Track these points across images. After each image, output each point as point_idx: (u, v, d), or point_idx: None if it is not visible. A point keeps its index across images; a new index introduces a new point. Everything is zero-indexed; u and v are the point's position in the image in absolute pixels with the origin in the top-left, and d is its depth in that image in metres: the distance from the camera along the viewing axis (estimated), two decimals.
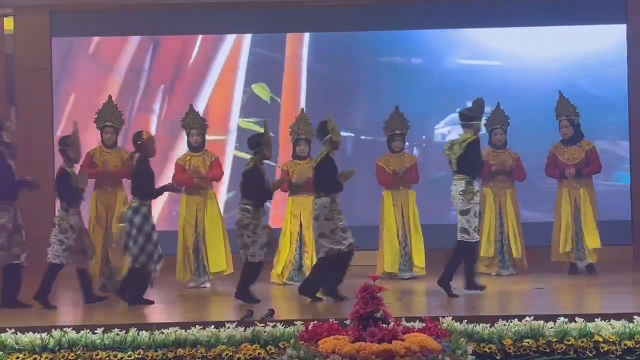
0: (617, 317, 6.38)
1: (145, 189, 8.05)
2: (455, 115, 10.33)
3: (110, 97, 9.46)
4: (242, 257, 8.09)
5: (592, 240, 9.35)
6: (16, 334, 6.27)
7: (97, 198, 9.13)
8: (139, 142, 8.10)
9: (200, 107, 10.38)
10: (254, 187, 8.09)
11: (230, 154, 11.01)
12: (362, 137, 11.11)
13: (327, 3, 10.99)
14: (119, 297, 7.94)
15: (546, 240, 9.73)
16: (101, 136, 9.23)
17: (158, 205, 9.97)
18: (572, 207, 9.44)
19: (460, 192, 8.06)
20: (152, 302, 7.90)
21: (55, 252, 7.97)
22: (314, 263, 9.01)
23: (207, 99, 11.12)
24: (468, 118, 8.23)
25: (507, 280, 9.09)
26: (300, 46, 11.25)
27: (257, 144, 8.16)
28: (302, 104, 10.86)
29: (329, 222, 7.99)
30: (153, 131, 10.71)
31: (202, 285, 9.13)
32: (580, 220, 9.42)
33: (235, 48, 11.21)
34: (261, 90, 11.16)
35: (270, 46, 11.28)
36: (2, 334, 6.25)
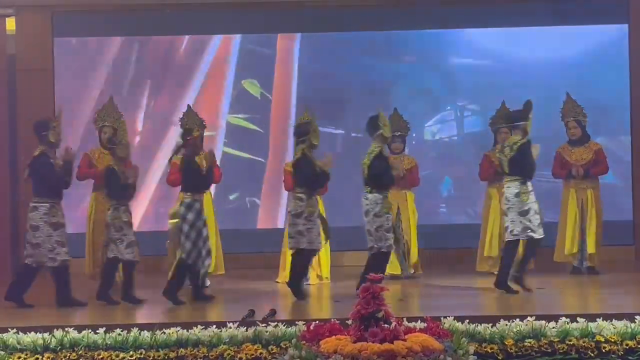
0: (619, 317, 6.38)
1: (196, 184, 8.10)
2: (446, 113, 10.44)
3: (111, 97, 9.47)
4: (292, 245, 8.15)
5: (591, 244, 9.36)
6: (18, 333, 6.27)
7: (96, 199, 9.12)
8: (189, 138, 8.14)
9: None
10: (306, 175, 8.13)
11: (220, 150, 10.96)
12: (353, 134, 11.10)
13: (326, 4, 10.99)
14: (165, 296, 7.93)
15: (548, 241, 9.69)
16: (99, 136, 9.23)
17: (156, 204, 9.99)
18: (579, 208, 9.43)
19: (515, 194, 8.15)
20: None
21: (119, 251, 8.09)
22: (322, 260, 9.13)
23: (196, 95, 11.10)
24: (516, 119, 8.32)
25: (509, 280, 9.08)
26: (292, 43, 11.25)
27: (305, 133, 8.19)
28: (293, 101, 10.92)
29: (377, 219, 8.05)
30: (140, 127, 10.79)
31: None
32: (586, 221, 9.41)
33: (225, 44, 11.22)
34: (251, 86, 11.16)
35: (260, 42, 11.27)
36: (3, 334, 6.25)
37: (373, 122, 8.23)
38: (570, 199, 9.44)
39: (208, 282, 8.49)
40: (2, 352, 6.01)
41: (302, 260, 8.20)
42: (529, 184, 8.19)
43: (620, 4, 10.98)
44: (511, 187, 8.18)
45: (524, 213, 8.12)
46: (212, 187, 9.34)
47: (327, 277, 9.30)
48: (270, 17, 11.10)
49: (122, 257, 8.08)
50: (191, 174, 8.11)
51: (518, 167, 8.16)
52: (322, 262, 9.30)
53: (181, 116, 9.37)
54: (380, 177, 8.12)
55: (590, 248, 9.37)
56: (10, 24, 10.89)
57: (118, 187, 8.15)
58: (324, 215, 9.31)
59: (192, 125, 9.20)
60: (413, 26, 11.23)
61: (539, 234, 8.17)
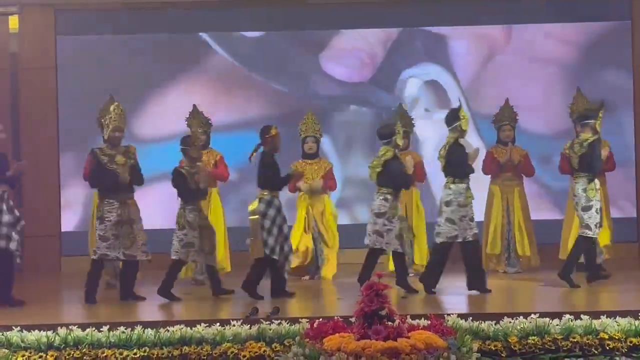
0: (623, 314, 6.38)
1: (274, 181, 8.16)
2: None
3: (111, 96, 9.45)
4: (371, 243, 8.21)
5: (604, 237, 9.33)
6: (22, 332, 6.28)
7: (99, 198, 9.13)
8: (267, 136, 8.18)
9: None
10: (395, 176, 8.21)
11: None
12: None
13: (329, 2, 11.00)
14: (245, 290, 8.00)
15: (555, 238, 9.72)
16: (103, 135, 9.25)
17: (162, 202, 9.96)
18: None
19: (583, 190, 8.22)
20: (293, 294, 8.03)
21: (174, 249, 8.15)
22: (330, 257, 9.16)
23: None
24: (586, 117, 8.39)
25: (513, 278, 9.08)
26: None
27: (390, 134, 8.30)
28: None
29: (461, 209, 8.08)
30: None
31: (205, 282, 9.15)
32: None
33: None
34: None
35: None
36: (8, 332, 6.26)
37: (453, 114, 8.30)
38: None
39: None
40: (7, 350, 6.01)
41: (374, 258, 8.29)
42: (596, 181, 8.28)
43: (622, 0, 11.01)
44: (579, 183, 8.28)
45: (586, 209, 8.22)
46: (220, 184, 9.38)
47: (327, 275, 9.31)
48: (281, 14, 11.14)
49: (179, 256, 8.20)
50: (271, 172, 8.18)
51: (587, 163, 8.24)
52: (330, 258, 9.31)
53: (187, 116, 9.42)
54: (460, 166, 8.16)
55: (602, 241, 9.33)
56: (13, 22, 10.89)
57: (185, 188, 8.20)
58: (331, 211, 9.38)
59: (197, 125, 9.24)
60: (423, 23, 11.29)
61: (594, 234, 8.29)
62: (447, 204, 8.12)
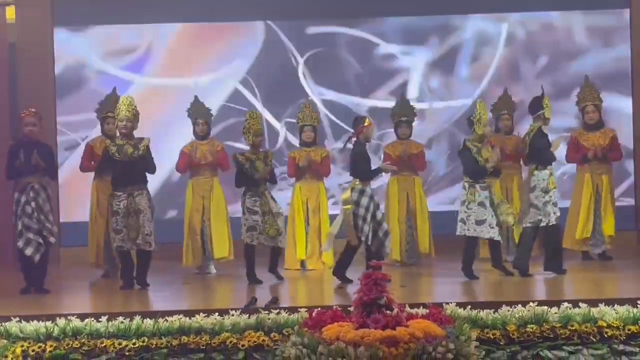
0: (621, 302, 6.38)
1: (365, 171, 8.22)
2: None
3: (114, 88, 9.47)
4: (459, 232, 8.32)
5: (609, 227, 9.35)
6: (20, 322, 6.28)
7: (97, 188, 9.17)
8: (361, 127, 8.24)
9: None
10: (466, 166, 8.37)
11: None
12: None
13: None
14: (335, 275, 8.10)
15: None
16: (101, 126, 9.25)
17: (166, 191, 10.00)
18: (594, 193, 9.38)
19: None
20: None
21: (242, 233, 8.40)
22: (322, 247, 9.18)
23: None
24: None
25: (511, 266, 9.09)
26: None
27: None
28: None
29: (545, 195, 8.18)
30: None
31: (207, 271, 9.18)
32: (600, 206, 9.37)
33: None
34: None
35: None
36: (6, 323, 6.26)
37: (536, 102, 8.38)
38: (586, 183, 9.34)
39: None
40: (5, 341, 6.02)
41: (470, 246, 8.37)
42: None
43: None
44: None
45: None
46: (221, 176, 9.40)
47: (328, 263, 9.32)
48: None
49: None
50: (364, 162, 8.26)
51: (531, 153, 8.29)
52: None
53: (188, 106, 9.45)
54: (543, 153, 8.25)
55: (609, 230, 9.36)
56: (10, 12, 10.88)
57: (241, 175, 8.45)
58: (326, 202, 9.38)
59: (198, 115, 9.25)
60: (421, 12, 11.28)
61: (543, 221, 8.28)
62: (531, 189, 8.25)
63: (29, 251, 7.82)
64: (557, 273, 8.21)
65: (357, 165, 8.23)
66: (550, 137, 8.39)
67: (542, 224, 8.22)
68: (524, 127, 9.42)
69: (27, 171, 7.87)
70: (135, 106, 8.19)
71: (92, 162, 9.18)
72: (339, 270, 8.13)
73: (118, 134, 8.33)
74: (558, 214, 8.28)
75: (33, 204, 7.84)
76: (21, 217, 7.84)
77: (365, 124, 8.34)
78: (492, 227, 8.24)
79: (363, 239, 8.09)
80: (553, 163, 8.37)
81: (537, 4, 11.07)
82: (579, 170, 9.49)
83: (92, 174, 9.25)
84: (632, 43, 11.04)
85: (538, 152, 8.27)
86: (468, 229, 8.27)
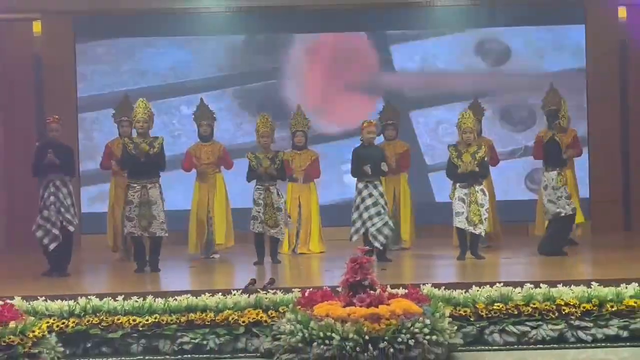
0: (577, 283, 6.40)
1: (352, 171, 8.49)
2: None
3: (126, 95, 9.46)
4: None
5: (578, 216, 9.37)
6: (46, 301, 6.27)
7: (115, 183, 9.15)
8: (361, 129, 8.49)
9: None
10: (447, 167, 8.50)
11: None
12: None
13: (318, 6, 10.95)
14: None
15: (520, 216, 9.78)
16: (118, 129, 9.23)
17: (173, 187, 9.94)
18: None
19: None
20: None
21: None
22: (312, 237, 9.14)
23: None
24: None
25: (490, 252, 9.05)
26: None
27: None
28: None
29: (556, 191, 8.39)
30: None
31: (212, 256, 9.18)
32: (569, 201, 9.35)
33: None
34: None
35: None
36: (33, 302, 6.25)
37: (555, 112, 8.71)
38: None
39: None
40: (33, 318, 6.00)
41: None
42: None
43: (577, 7, 10.97)
44: None
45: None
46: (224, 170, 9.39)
47: (315, 251, 9.30)
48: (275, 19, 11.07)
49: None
50: (353, 162, 8.44)
51: None
52: (312, 239, 9.32)
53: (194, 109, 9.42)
54: (553, 157, 8.51)
55: (579, 219, 9.38)
56: (37, 26, 10.86)
57: (250, 171, 8.56)
58: (317, 200, 9.37)
59: (203, 117, 9.24)
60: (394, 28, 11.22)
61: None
62: (545, 188, 8.51)
63: (46, 241, 7.82)
64: (559, 255, 8.35)
65: (351, 165, 8.39)
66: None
67: (562, 215, 8.40)
68: None
69: (49, 169, 7.86)
70: (150, 108, 8.20)
71: (111, 161, 9.16)
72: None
73: (136, 133, 8.33)
74: (573, 205, 8.54)
75: (53, 198, 7.81)
76: (42, 210, 7.84)
77: (363, 126, 8.37)
78: (469, 221, 8.23)
79: (354, 230, 8.16)
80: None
81: (502, 20, 11.07)
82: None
83: (110, 172, 9.24)
84: (586, 55, 11.05)
85: (549, 156, 8.53)
86: (453, 221, 8.32)
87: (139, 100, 8.27)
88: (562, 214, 8.40)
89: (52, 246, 7.82)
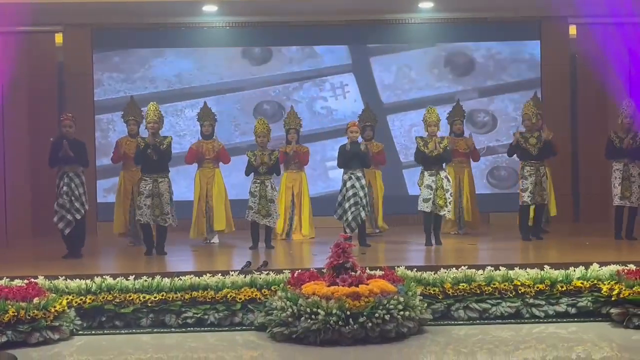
0: (532, 266, 6.43)
1: (338, 163, 8.46)
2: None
3: (132, 97, 9.42)
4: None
5: (552, 209, 9.40)
6: (66, 280, 6.24)
7: (124, 177, 9.09)
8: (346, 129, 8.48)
9: None
10: (416, 153, 8.45)
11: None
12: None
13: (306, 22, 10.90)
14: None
15: (502, 208, 9.87)
16: (127, 127, 9.17)
17: (177, 180, 9.88)
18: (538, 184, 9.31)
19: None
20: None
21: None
22: (303, 222, 9.17)
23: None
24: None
25: (459, 239, 9.07)
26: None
27: None
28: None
29: (526, 181, 8.38)
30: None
31: (212, 241, 9.14)
32: (546, 192, 9.31)
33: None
34: None
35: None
36: (55, 280, 6.22)
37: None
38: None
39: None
40: (54, 295, 5.97)
41: (425, 218, 8.37)
42: (438, 170, 8.29)
43: (533, 24, 10.99)
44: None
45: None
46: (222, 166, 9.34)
47: (308, 235, 9.30)
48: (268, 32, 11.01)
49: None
50: (339, 156, 8.43)
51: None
52: (303, 224, 9.31)
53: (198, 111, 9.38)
54: (522, 152, 8.44)
55: (553, 212, 9.39)
56: (59, 38, 10.79)
57: (248, 166, 8.49)
58: (307, 188, 9.34)
59: (205, 118, 9.21)
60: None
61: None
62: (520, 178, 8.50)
63: (60, 225, 7.77)
64: (538, 239, 8.43)
65: (337, 159, 8.44)
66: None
67: (532, 204, 8.40)
68: None
69: (63, 161, 7.80)
70: (160, 111, 8.16)
71: (121, 156, 9.10)
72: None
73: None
74: (546, 196, 8.46)
75: (65, 188, 7.76)
76: (57, 198, 7.79)
77: (348, 126, 8.40)
78: (435, 205, 8.23)
79: (337, 216, 8.24)
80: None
81: (468, 36, 11.06)
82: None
83: (120, 165, 9.19)
84: (541, 67, 11.08)
85: (520, 151, 8.47)
86: (419, 205, 8.29)
87: (150, 104, 8.21)
88: (532, 204, 8.40)
89: (66, 231, 7.78)
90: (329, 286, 5.65)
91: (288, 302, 5.58)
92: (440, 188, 8.25)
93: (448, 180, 8.34)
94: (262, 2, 9.70)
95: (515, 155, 8.69)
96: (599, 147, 8.75)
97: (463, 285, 6.13)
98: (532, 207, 8.53)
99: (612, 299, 5.92)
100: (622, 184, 8.29)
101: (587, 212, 10.78)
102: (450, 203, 8.32)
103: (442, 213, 8.27)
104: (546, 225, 9.33)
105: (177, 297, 6.07)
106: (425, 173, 8.31)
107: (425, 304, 5.88)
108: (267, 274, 6.31)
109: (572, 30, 10.91)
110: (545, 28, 10.97)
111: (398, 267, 6.34)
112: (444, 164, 8.40)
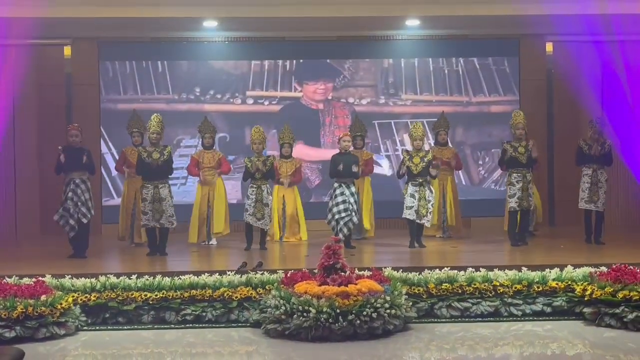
0: (510, 267, 6.44)
1: (330, 173, 8.44)
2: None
3: (134, 110, 9.39)
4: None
5: (539, 213, 9.39)
6: (72, 278, 6.21)
7: (128, 184, 9.06)
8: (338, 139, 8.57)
9: None
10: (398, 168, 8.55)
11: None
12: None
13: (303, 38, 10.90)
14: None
15: (483, 212, 9.94)
16: (131, 138, 9.13)
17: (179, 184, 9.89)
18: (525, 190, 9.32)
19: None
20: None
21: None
22: (297, 227, 9.20)
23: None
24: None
25: (442, 242, 9.07)
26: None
27: None
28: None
29: (513, 188, 8.28)
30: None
31: (210, 244, 9.11)
32: (532, 199, 9.33)
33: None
34: None
35: None
36: (61, 279, 6.19)
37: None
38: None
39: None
40: (61, 292, 5.94)
41: (409, 224, 8.32)
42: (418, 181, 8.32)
43: (512, 41, 11.02)
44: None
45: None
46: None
47: (304, 239, 9.27)
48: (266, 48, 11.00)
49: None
50: (331, 165, 8.37)
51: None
52: (301, 228, 9.28)
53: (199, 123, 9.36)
54: (509, 161, 8.33)
55: (539, 216, 9.38)
56: (67, 50, 10.75)
57: (245, 172, 8.50)
58: (299, 196, 9.31)
59: (206, 130, 9.18)
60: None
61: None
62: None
63: (66, 229, 7.75)
64: (522, 245, 8.29)
65: (329, 168, 8.42)
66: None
67: (517, 210, 8.29)
68: None
69: (68, 168, 7.77)
70: (162, 122, 8.17)
71: (123, 167, 9.09)
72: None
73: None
74: (532, 202, 8.38)
75: (71, 194, 7.73)
76: (63, 203, 7.76)
77: (341, 136, 8.40)
78: (417, 213, 8.24)
79: (327, 221, 8.21)
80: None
81: (450, 52, 11.06)
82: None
83: (125, 173, 9.15)
84: (520, 81, 11.11)
85: (507, 161, 8.38)
86: (404, 213, 8.30)
87: (153, 115, 8.22)
88: (519, 209, 8.31)
89: (70, 234, 7.76)
90: (320, 285, 5.64)
91: (281, 301, 5.57)
92: (423, 199, 8.27)
93: (431, 191, 8.37)
94: (258, 18, 9.68)
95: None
96: (572, 155, 8.78)
97: (446, 286, 6.13)
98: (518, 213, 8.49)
99: (585, 299, 5.94)
100: (590, 188, 8.33)
101: (561, 217, 10.79)
102: (431, 213, 8.34)
103: (422, 222, 8.29)
104: (535, 229, 9.37)
105: (176, 295, 6.05)
106: (410, 184, 8.32)
107: (410, 303, 5.89)
108: (262, 273, 6.29)
109: (549, 47, 10.95)
110: (524, 45, 11.00)
111: (385, 267, 6.34)
112: (428, 177, 8.40)
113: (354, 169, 8.36)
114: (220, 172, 9.16)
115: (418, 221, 8.27)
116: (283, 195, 9.29)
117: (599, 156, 8.33)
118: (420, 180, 8.29)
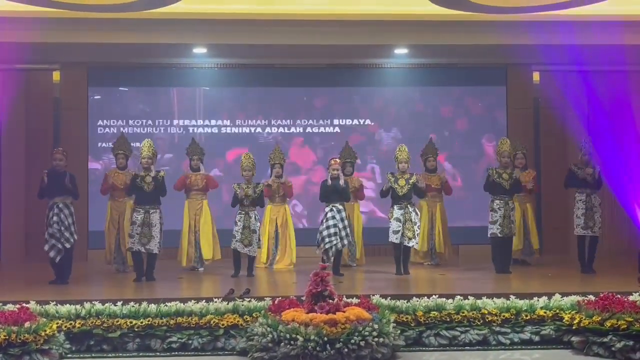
0: (498, 296, 6.42)
1: (320, 197, 8.46)
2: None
3: (122, 132, 9.39)
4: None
5: (535, 241, 9.39)
6: (57, 305, 6.13)
7: (111, 207, 8.99)
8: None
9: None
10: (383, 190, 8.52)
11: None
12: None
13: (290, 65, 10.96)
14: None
15: (471, 240, 9.96)
16: (115, 161, 9.10)
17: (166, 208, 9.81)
18: (522, 216, 9.31)
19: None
20: None
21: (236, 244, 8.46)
22: (288, 251, 9.11)
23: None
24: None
25: (431, 269, 9.06)
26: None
27: None
28: None
29: (495, 214, 8.29)
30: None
31: (199, 269, 9.05)
32: (528, 226, 9.32)
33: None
34: None
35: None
36: (45, 305, 6.10)
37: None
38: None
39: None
40: (45, 319, 5.85)
41: (395, 249, 8.33)
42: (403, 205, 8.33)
43: (499, 70, 11.12)
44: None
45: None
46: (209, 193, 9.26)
47: (294, 262, 9.21)
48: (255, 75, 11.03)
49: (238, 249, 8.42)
50: (321, 190, 8.40)
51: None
52: (289, 252, 9.23)
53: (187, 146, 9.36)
54: (491, 188, 8.35)
55: (535, 245, 9.39)
56: (56, 75, 10.75)
57: (234, 199, 8.52)
58: (290, 219, 9.27)
59: (194, 153, 9.18)
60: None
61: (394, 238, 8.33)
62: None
63: (52, 254, 7.69)
64: (505, 273, 8.23)
65: (320, 193, 8.44)
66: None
67: (500, 236, 8.26)
68: None
69: (51, 193, 7.73)
70: (154, 147, 8.20)
71: (109, 187, 9.02)
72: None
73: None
74: (514, 230, 8.42)
75: (55, 217, 7.68)
76: (47, 227, 7.70)
77: (330, 163, 8.40)
78: (404, 236, 8.23)
79: (317, 244, 8.22)
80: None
81: (439, 81, 11.13)
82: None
83: (108, 196, 9.09)
84: (507, 109, 11.20)
85: (488, 187, 8.41)
86: (390, 237, 8.29)
87: (145, 140, 8.27)
88: (501, 235, 8.29)
89: (57, 258, 7.68)
90: (307, 313, 5.60)
91: (268, 328, 5.51)
92: (408, 221, 8.28)
93: (416, 213, 8.39)
94: (248, 45, 9.73)
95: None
96: (560, 183, 8.84)
97: (434, 314, 6.10)
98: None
99: (573, 327, 5.92)
100: (585, 214, 8.35)
101: (549, 244, 10.82)
102: (418, 235, 8.35)
103: (409, 244, 8.30)
104: (530, 258, 9.38)
105: (162, 323, 5.98)
106: (395, 207, 8.34)
107: (399, 331, 5.84)
108: (249, 301, 6.24)
109: (536, 76, 11.07)
110: (511, 74, 11.11)
111: (373, 295, 6.31)
112: (412, 199, 8.42)
113: (341, 182, 8.35)
114: (210, 189, 9.16)
115: (405, 244, 8.26)
116: (275, 218, 9.25)
117: (592, 181, 8.35)
118: (405, 203, 8.31)
